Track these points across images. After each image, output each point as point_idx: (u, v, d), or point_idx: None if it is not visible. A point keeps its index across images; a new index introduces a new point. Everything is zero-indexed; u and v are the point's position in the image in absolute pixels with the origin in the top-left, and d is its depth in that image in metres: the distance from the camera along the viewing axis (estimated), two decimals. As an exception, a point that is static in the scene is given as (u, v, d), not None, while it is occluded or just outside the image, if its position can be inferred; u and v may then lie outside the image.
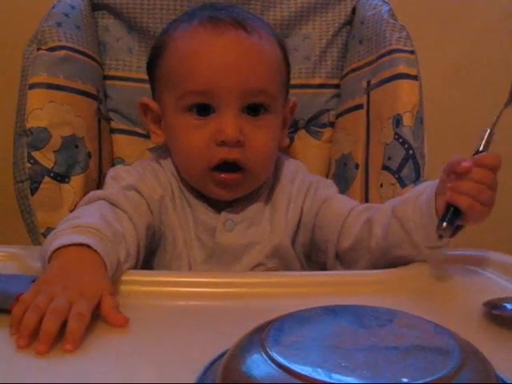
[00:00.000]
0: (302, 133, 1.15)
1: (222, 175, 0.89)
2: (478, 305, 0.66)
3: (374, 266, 0.83)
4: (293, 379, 0.42)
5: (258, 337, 0.48)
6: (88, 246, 0.69)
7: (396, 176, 0.94)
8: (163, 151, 1.00)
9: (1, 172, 1.11)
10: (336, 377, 0.42)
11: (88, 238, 0.70)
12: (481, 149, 0.76)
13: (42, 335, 0.57)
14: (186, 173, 0.94)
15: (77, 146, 0.99)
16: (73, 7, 1.05)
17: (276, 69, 0.93)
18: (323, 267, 0.93)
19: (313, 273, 0.85)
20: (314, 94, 1.14)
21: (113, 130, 1.13)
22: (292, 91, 1.08)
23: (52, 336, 0.57)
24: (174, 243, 0.92)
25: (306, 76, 1.14)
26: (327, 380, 0.42)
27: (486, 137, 0.75)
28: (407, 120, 0.95)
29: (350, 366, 0.43)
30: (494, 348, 0.56)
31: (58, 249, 0.69)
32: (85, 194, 0.95)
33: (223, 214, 0.93)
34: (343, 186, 1.06)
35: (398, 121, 0.95)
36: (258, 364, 0.44)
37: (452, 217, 0.71)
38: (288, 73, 0.99)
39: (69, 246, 0.69)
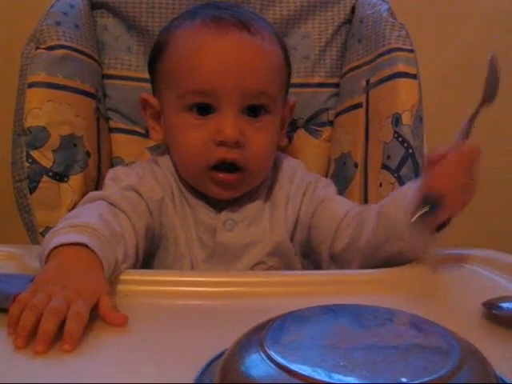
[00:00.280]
0: (301, 132, 1.15)
1: (221, 175, 0.89)
2: (478, 304, 0.66)
3: (367, 266, 0.82)
4: (292, 379, 0.42)
5: (257, 336, 0.48)
6: (85, 246, 0.69)
7: (395, 175, 0.94)
8: (162, 151, 1.00)
9: (0, 171, 1.11)
10: (335, 376, 0.42)
11: (86, 237, 0.70)
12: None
13: (40, 335, 0.56)
14: (184, 171, 0.94)
15: (75, 146, 0.99)
16: (72, 6, 1.05)
17: (277, 70, 0.93)
18: (320, 266, 0.93)
19: (312, 272, 0.85)
20: (313, 92, 1.14)
21: (112, 129, 1.13)
22: (291, 90, 1.08)
23: (50, 336, 0.56)
24: (175, 244, 0.92)
25: (305, 75, 1.13)
26: (326, 379, 0.41)
27: (463, 128, 0.73)
28: (406, 119, 0.95)
29: (349, 365, 0.43)
30: (494, 347, 0.56)
31: (56, 248, 0.69)
32: (83, 193, 0.96)
33: (223, 213, 0.93)
34: (342, 185, 1.06)
35: (397, 120, 0.95)
36: (256, 363, 0.44)
37: (428, 202, 0.70)
38: (289, 73, 0.99)
39: (66, 245, 0.69)
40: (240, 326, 0.51)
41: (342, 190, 1.06)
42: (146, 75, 1.03)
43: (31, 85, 0.96)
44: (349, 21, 1.14)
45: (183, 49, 0.91)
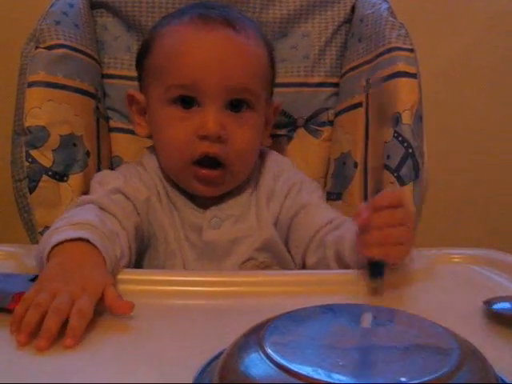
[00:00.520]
0: (301, 131, 1.15)
1: (203, 171, 0.91)
2: (478, 303, 0.66)
3: None
4: (291, 378, 0.42)
5: (256, 336, 0.48)
6: (87, 241, 0.70)
7: (395, 174, 0.94)
8: (147, 152, 1.02)
9: (-1, 171, 1.11)
10: (334, 376, 0.42)
11: (86, 233, 0.71)
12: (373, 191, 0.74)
13: (44, 332, 0.57)
14: (168, 166, 0.95)
15: (75, 145, 0.99)
16: (71, 6, 1.05)
17: (260, 69, 0.95)
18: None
19: (311, 271, 0.84)
20: (313, 92, 1.14)
21: (111, 129, 1.13)
22: (291, 89, 1.08)
23: (53, 333, 0.57)
24: (165, 242, 0.92)
25: (305, 74, 1.13)
26: (325, 379, 0.41)
27: (370, 185, 0.73)
28: (406, 118, 0.95)
29: (348, 365, 0.43)
30: (494, 347, 0.56)
31: (57, 245, 0.69)
32: (83, 192, 0.96)
33: (208, 211, 0.94)
34: (342, 184, 1.06)
35: (397, 119, 0.95)
36: (255, 363, 0.44)
37: (376, 268, 0.70)
38: (273, 74, 1.00)
39: (68, 241, 0.70)
40: (239, 326, 0.51)
41: (341, 190, 1.06)
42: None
43: (31, 84, 0.96)
44: (349, 20, 1.14)
45: (169, 44, 0.93)
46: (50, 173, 0.95)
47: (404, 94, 0.96)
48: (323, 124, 1.14)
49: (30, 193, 0.94)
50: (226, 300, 0.69)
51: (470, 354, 0.45)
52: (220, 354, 0.49)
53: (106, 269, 0.69)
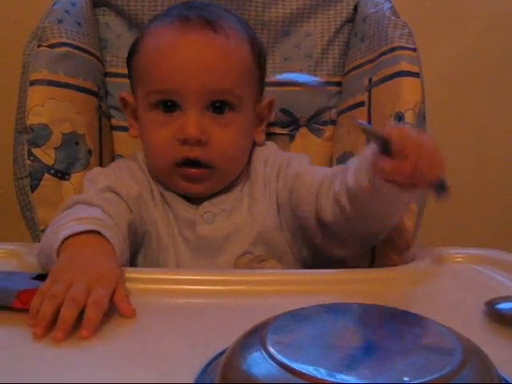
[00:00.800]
0: (303, 130, 1.15)
1: (186, 169, 0.91)
2: (480, 303, 0.66)
3: (361, 238, 0.86)
4: (293, 377, 0.42)
5: (258, 335, 0.47)
6: (97, 234, 0.72)
7: (398, 173, 0.93)
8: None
9: (1, 169, 1.11)
10: (336, 375, 0.42)
11: (96, 226, 0.73)
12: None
13: (60, 323, 0.58)
14: (154, 168, 0.95)
15: (77, 143, 0.99)
16: (73, 4, 1.05)
17: (243, 68, 0.93)
18: (313, 247, 0.92)
19: (313, 271, 0.84)
20: (316, 91, 1.13)
21: (113, 127, 1.13)
22: (293, 88, 1.08)
23: (70, 324, 0.58)
24: (158, 238, 0.93)
25: (308, 73, 1.13)
26: (327, 378, 0.41)
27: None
28: (409, 118, 0.94)
29: (351, 364, 0.43)
30: (496, 347, 0.55)
31: (66, 240, 0.71)
32: (84, 191, 0.96)
33: (201, 207, 0.94)
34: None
35: (399, 118, 0.94)
36: (257, 362, 0.44)
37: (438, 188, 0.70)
38: (261, 73, 0.99)
39: (77, 234, 0.71)
40: (240, 325, 0.51)
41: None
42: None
43: (33, 82, 0.96)
44: (351, 19, 1.13)
45: (150, 48, 0.93)
46: (52, 171, 0.95)
47: (407, 93, 0.96)
48: (325, 123, 1.14)
49: (32, 191, 0.94)
50: (227, 299, 0.69)
51: (473, 354, 0.45)
52: (222, 352, 0.49)
53: (117, 262, 0.71)
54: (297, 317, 0.52)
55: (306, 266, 0.94)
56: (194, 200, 0.95)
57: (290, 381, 0.42)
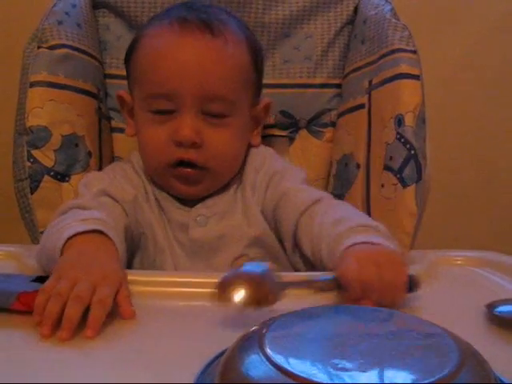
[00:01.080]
0: (303, 132, 1.15)
1: (181, 169, 0.91)
2: (480, 306, 0.66)
3: None
4: (290, 380, 0.42)
5: (256, 337, 0.47)
6: (100, 233, 0.73)
7: (398, 176, 0.93)
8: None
9: (0, 170, 1.11)
10: (334, 378, 0.42)
11: (99, 226, 0.74)
12: None
13: (65, 322, 0.59)
14: (149, 167, 0.95)
15: (77, 145, 0.99)
16: (73, 5, 1.05)
17: (239, 73, 0.93)
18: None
19: (310, 273, 0.84)
20: (316, 93, 1.13)
21: (113, 129, 1.13)
22: (293, 90, 1.08)
23: (75, 323, 0.59)
24: (154, 240, 0.93)
25: (308, 75, 1.13)
26: (325, 381, 0.41)
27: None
28: (409, 120, 0.94)
29: (348, 367, 0.43)
30: (496, 350, 0.55)
31: (71, 238, 0.72)
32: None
33: (194, 209, 0.94)
34: (344, 186, 1.06)
35: (399, 121, 0.94)
36: (255, 364, 0.44)
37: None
38: (258, 76, 0.98)
39: (83, 233, 0.72)
40: (240, 327, 0.51)
41: (343, 192, 1.06)
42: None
43: (33, 84, 0.96)
44: (352, 21, 1.13)
45: (148, 49, 0.92)
46: (51, 173, 0.95)
47: (407, 95, 0.96)
48: (325, 125, 1.14)
49: (32, 193, 0.94)
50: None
51: (470, 356, 0.45)
52: (221, 354, 0.49)
53: (120, 262, 0.72)
54: (295, 319, 0.52)
55: (300, 269, 0.94)
56: (187, 202, 0.95)
57: (286, 383, 0.42)
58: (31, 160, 0.94)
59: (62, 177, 0.96)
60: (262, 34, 1.11)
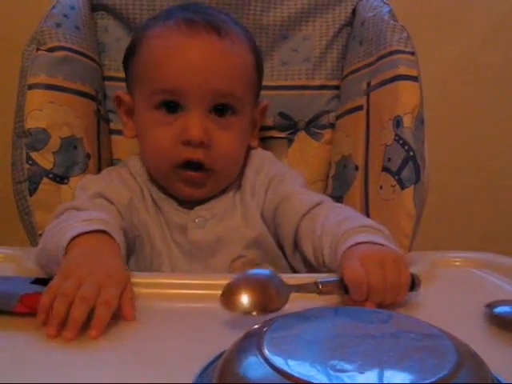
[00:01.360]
0: (301, 134, 1.15)
1: (187, 173, 0.91)
2: (479, 307, 0.66)
3: None
4: (289, 382, 0.42)
5: (254, 338, 0.47)
6: (103, 233, 0.73)
7: (396, 178, 0.93)
8: (133, 154, 1.02)
9: (-1, 173, 1.11)
10: (332, 379, 0.42)
11: (102, 226, 0.74)
12: None
13: (71, 323, 0.59)
14: (153, 169, 0.96)
15: (76, 147, 0.99)
16: (72, 8, 1.05)
17: (245, 73, 0.94)
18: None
19: (309, 274, 0.84)
20: (314, 95, 1.14)
21: (112, 131, 1.13)
22: (292, 92, 1.08)
23: (80, 323, 0.59)
24: (151, 243, 0.93)
25: (306, 77, 1.13)
26: (323, 383, 0.41)
27: None
28: (408, 121, 0.94)
29: (347, 368, 0.43)
30: (494, 350, 0.55)
31: (74, 238, 0.72)
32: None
33: (193, 211, 0.94)
34: (343, 188, 1.06)
35: (398, 122, 0.95)
36: (253, 366, 0.44)
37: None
38: (259, 78, 1.00)
39: (87, 233, 0.72)
40: (238, 328, 0.51)
41: (342, 193, 1.06)
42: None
43: (31, 86, 0.96)
44: (350, 23, 1.13)
45: (154, 49, 0.92)
46: (50, 175, 0.95)
47: (405, 97, 0.96)
48: (324, 127, 1.14)
49: (31, 195, 0.94)
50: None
51: (468, 357, 0.45)
52: (219, 356, 0.49)
53: (123, 262, 0.73)
54: (293, 320, 0.52)
55: (299, 271, 0.94)
56: (186, 204, 0.95)
57: (284, 385, 0.42)
58: (30, 162, 0.94)
59: (60, 179, 0.96)
60: (261, 36, 1.11)
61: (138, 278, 0.72)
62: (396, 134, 0.95)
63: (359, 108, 1.05)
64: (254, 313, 0.61)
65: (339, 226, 0.79)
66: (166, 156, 0.91)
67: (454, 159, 1.57)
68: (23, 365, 0.54)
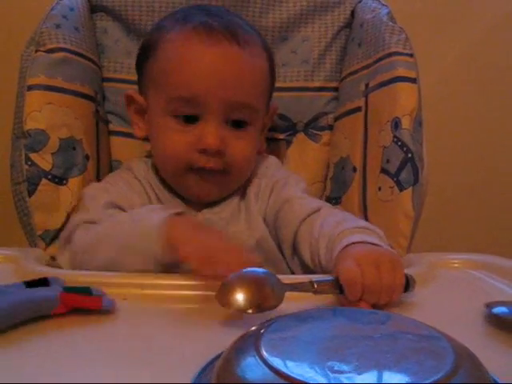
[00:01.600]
0: (300, 136, 1.15)
1: (201, 175, 0.92)
2: (477, 308, 0.66)
3: None
4: (286, 383, 0.42)
5: (253, 339, 0.47)
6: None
7: (394, 179, 0.93)
8: (136, 158, 1.05)
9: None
10: (330, 380, 0.42)
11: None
12: None
13: None
14: (164, 170, 0.97)
15: (74, 149, 0.99)
16: (71, 9, 1.05)
17: (262, 83, 0.96)
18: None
19: (307, 276, 0.84)
20: (313, 96, 1.14)
21: (111, 133, 1.13)
22: (290, 94, 1.08)
23: None
24: None
25: (305, 79, 1.13)
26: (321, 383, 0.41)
27: None
28: (406, 123, 0.94)
29: (345, 369, 0.43)
30: (493, 352, 0.56)
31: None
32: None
33: (200, 214, 0.96)
34: (341, 189, 1.06)
35: (396, 124, 0.95)
36: (251, 367, 0.44)
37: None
38: (272, 83, 1.00)
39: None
40: (237, 329, 0.51)
41: (340, 195, 1.06)
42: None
43: (30, 87, 0.96)
44: (349, 25, 1.14)
45: (172, 54, 0.92)
46: (49, 176, 0.95)
47: (403, 98, 0.96)
48: (323, 128, 1.14)
49: (29, 196, 0.94)
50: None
51: (466, 359, 0.45)
52: (217, 357, 0.49)
53: None
54: (291, 321, 0.52)
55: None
56: (193, 206, 0.96)
57: (282, 386, 0.42)
58: (29, 163, 0.94)
59: (59, 180, 0.96)
60: (260, 37, 1.11)
61: (134, 279, 0.73)
62: (394, 136, 0.95)
63: (357, 109, 1.05)
64: (250, 310, 0.61)
65: (336, 227, 0.80)
66: (180, 161, 0.92)
67: (453, 160, 1.57)
68: (17, 364, 0.54)
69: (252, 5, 1.11)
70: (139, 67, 1.00)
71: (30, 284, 0.67)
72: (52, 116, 0.96)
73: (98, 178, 1.04)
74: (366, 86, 1.03)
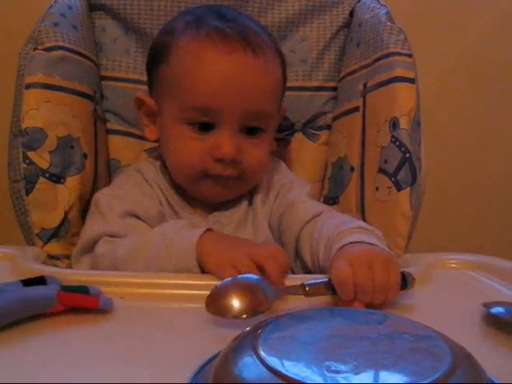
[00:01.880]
0: (298, 135, 1.15)
1: (216, 180, 0.93)
2: (475, 308, 0.66)
3: None
4: (284, 382, 0.42)
5: (250, 339, 0.48)
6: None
7: (392, 179, 0.93)
8: (144, 160, 1.05)
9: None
10: (327, 380, 0.42)
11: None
12: None
13: None
14: (176, 174, 0.97)
15: (72, 147, 0.99)
16: (70, 7, 1.05)
17: (276, 89, 0.96)
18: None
19: (306, 276, 0.84)
20: (311, 96, 1.14)
21: (109, 131, 1.13)
22: (289, 93, 1.08)
23: None
24: None
25: (303, 78, 1.13)
26: (318, 383, 0.41)
27: None
28: (404, 123, 0.94)
29: (342, 369, 0.43)
30: (490, 352, 0.56)
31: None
32: (80, 194, 0.96)
33: (211, 216, 0.96)
34: (339, 189, 1.06)
35: (394, 124, 0.95)
36: (249, 367, 0.44)
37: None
38: (285, 84, 1.01)
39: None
40: (235, 328, 0.51)
41: (338, 194, 1.06)
42: (144, 77, 1.04)
43: (28, 85, 0.95)
44: (347, 25, 1.14)
45: (186, 61, 0.92)
46: (46, 175, 0.95)
47: (402, 99, 0.96)
48: (321, 128, 1.14)
49: (27, 194, 0.93)
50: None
51: (463, 359, 0.45)
52: (215, 356, 0.49)
53: None
54: (289, 321, 0.52)
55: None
56: (203, 209, 0.97)
57: (280, 386, 0.42)
58: (26, 161, 0.94)
59: (57, 178, 0.96)
60: (258, 37, 1.11)
61: (132, 278, 0.73)
62: (392, 136, 0.95)
63: (356, 109, 1.05)
64: (244, 316, 0.62)
65: (335, 228, 0.80)
66: (196, 168, 0.92)
67: (451, 161, 1.57)
68: (16, 364, 0.54)
69: (251, 4, 1.11)
70: (150, 70, 1.00)
71: (27, 282, 0.66)
72: (50, 114, 0.96)
73: (96, 177, 1.03)
74: (365, 85, 1.03)
